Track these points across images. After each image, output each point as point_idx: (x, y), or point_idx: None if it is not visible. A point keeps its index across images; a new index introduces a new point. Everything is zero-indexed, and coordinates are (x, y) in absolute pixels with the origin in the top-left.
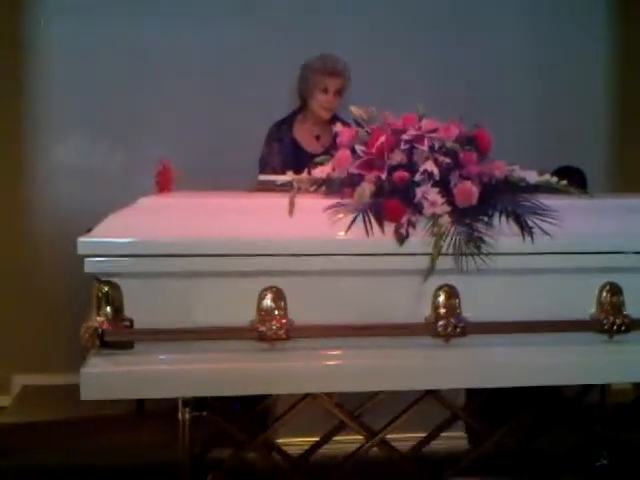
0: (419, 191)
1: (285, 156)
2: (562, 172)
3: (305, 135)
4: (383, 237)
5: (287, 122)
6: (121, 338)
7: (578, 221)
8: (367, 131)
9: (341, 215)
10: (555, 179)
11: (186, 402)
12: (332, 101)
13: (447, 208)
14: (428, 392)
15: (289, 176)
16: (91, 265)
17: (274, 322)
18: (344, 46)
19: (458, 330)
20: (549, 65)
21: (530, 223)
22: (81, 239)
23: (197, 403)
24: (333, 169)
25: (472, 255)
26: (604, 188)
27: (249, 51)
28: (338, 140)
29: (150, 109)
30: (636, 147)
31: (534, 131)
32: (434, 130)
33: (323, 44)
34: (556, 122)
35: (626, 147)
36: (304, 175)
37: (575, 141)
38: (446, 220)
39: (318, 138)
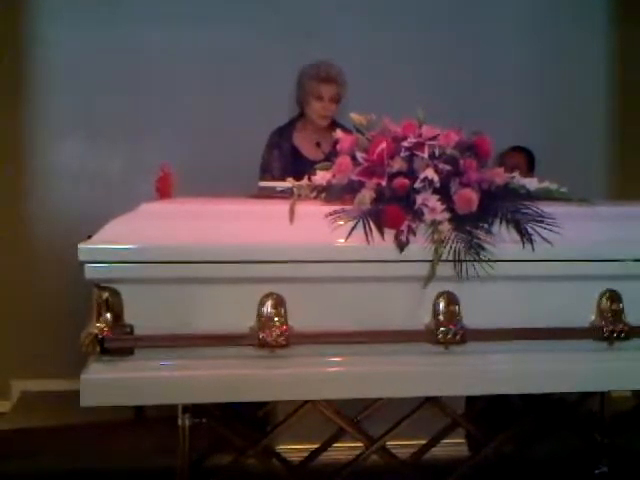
0: (419, 198)
1: (285, 163)
2: (511, 152)
3: (305, 142)
4: (383, 244)
5: (287, 129)
6: (121, 344)
7: (578, 228)
8: (367, 138)
9: (341, 222)
10: (555, 186)
11: (186, 408)
12: (328, 108)
13: (447, 215)
14: (428, 399)
15: (289, 182)
16: (91, 271)
17: (274, 329)
18: (344, 49)
19: (458, 337)
20: (549, 65)
21: (530, 230)
22: (82, 245)
23: (197, 409)
24: (333, 176)
25: (472, 262)
26: (604, 188)
27: (249, 56)
28: (338, 147)
29: (150, 113)
30: (636, 147)
31: (533, 131)
32: (434, 137)
33: (323, 48)
34: (556, 122)
35: (626, 147)
36: (304, 182)
37: (575, 141)
38: (446, 227)
39: (318, 145)
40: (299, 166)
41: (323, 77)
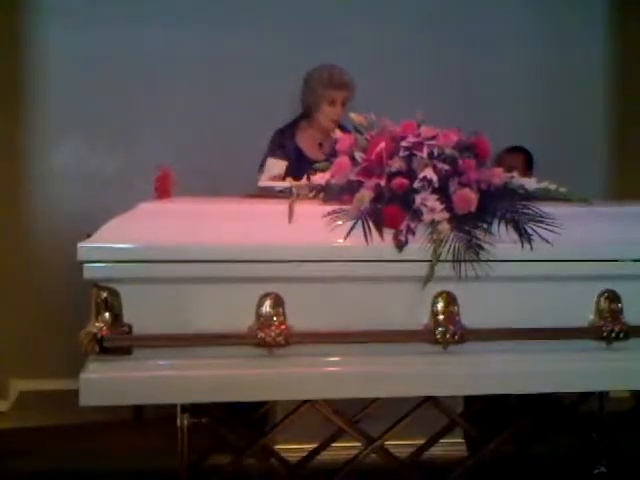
0: (418, 198)
1: (289, 163)
2: (510, 152)
3: (308, 142)
4: (382, 243)
5: (290, 129)
6: (120, 344)
7: (577, 228)
8: (366, 138)
9: (340, 221)
10: (554, 186)
11: (185, 408)
12: (339, 113)
13: (446, 215)
14: (427, 399)
15: (288, 182)
16: (90, 271)
17: (273, 328)
18: (344, 49)
19: (457, 337)
20: (548, 65)
21: (529, 230)
22: (81, 245)
23: (195, 409)
24: (332, 176)
25: (471, 262)
26: (603, 188)
27: (250, 56)
28: (337, 147)
29: (149, 113)
30: (635, 147)
31: (532, 131)
32: (433, 137)
33: (323, 49)
34: (555, 122)
35: (625, 147)
36: (303, 181)
37: (575, 141)
38: (445, 227)
39: (321, 146)
40: (302, 166)
41: (337, 84)
